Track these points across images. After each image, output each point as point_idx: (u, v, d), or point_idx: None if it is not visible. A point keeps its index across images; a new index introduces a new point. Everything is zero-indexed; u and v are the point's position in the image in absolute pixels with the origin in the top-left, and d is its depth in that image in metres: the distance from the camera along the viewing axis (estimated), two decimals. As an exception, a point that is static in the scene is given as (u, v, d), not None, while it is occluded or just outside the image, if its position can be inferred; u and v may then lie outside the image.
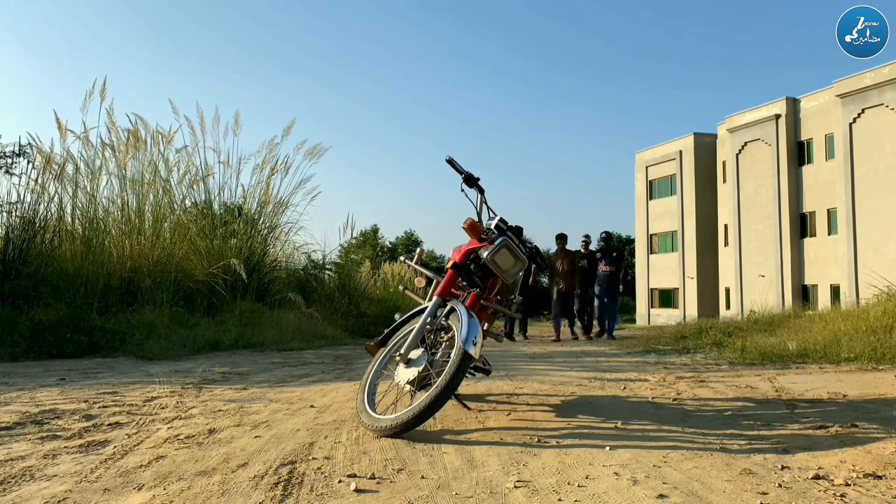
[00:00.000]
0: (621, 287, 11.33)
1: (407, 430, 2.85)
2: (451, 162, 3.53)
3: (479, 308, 3.32)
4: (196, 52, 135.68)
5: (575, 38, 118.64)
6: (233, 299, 8.70)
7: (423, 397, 2.88)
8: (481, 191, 3.57)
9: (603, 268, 10.99)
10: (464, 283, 3.38)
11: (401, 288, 4.34)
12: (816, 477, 2.30)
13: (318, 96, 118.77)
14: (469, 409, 3.50)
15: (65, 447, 2.81)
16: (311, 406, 3.77)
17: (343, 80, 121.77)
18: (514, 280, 3.53)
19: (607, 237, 11.35)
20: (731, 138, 32.33)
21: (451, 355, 2.94)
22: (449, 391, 2.87)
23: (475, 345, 2.91)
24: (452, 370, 2.87)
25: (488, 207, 3.65)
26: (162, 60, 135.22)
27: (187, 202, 9.74)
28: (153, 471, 2.45)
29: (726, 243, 33.31)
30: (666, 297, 37.14)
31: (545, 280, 19.25)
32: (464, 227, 3.40)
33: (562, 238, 10.84)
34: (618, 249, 11.43)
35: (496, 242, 3.25)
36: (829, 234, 27.74)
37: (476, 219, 3.45)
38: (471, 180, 3.53)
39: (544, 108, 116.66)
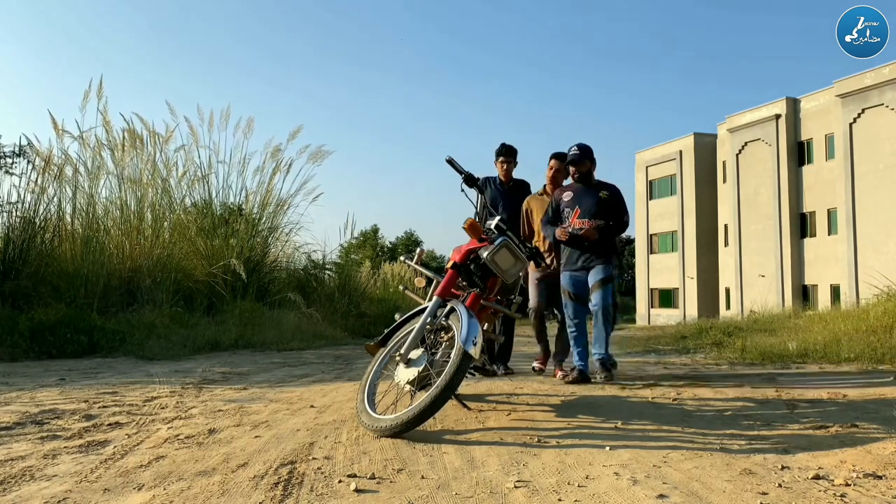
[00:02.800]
0: (616, 261, 5.00)
1: (407, 430, 2.85)
2: (451, 162, 3.54)
3: (479, 308, 3.32)
4: (197, 49, 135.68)
5: (574, 37, 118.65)
6: (233, 299, 8.70)
7: (423, 397, 2.88)
8: (481, 191, 3.57)
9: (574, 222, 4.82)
10: (464, 283, 3.38)
11: (401, 288, 4.34)
12: (816, 477, 2.30)
13: (318, 94, 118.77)
14: (469, 409, 3.50)
15: (65, 447, 2.81)
16: (311, 406, 3.77)
17: (342, 76, 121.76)
18: (515, 280, 3.53)
19: (581, 155, 4.86)
20: (731, 138, 32.32)
21: (452, 355, 2.94)
22: (449, 391, 2.87)
23: (475, 345, 2.92)
24: (452, 370, 2.87)
25: (488, 207, 3.65)
26: (162, 59, 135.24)
27: (187, 201, 9.76)
28: (153, 471, 2.45)
29: (726, 243, 33.30)
30: (666, 297, 37.13)
31: None
32: (464, 228, 3.40)
33: (562, 163, 5.14)
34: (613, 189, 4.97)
35: (496, 242, 3.25)
36: (829, 234, 27.73)
37: (476, 219, 3.45)
38: (471, 180, 3.53)
39: (544, 107, 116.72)
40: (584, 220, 4.81)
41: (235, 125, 9.91)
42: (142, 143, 8.98)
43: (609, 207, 4.91)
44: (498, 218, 3.41)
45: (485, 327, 3.52)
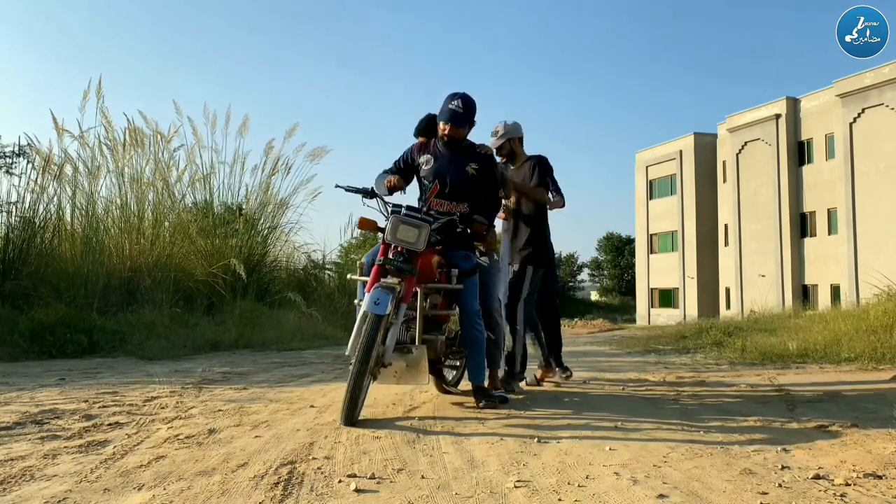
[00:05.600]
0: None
1: (351, 410, 3.12)
2: (345, 188, 3.58)
3: (418, 293, 3.43)
4: (200, 47, 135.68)
5: (574, 35, 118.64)
6: (233, 299, 8.69)
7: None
8: (379, 197, 3.60)
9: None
10: (396, 276, 3.40)
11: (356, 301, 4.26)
12: (816, 477, 2.30)
13: (320, 92, 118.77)
14: (454, 392, 3.54)
15: (65, 447, 2.80)
16: (312, 406, 3.77)
17: (341, 73, 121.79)
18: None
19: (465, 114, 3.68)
20: (731, 138, 32.30)
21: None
22: (365, 359, 3.08)
23: (377, 303, 3.10)
24: (364, 338, 3.08)
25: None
26: (164, 55, 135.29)
27: (188, 201, 9.75)
28: (153, 471, 2.45)
29: (726, 243, 33.29)
30: (666, 297, 37.12)
31: None
32: (359, 228, 3.55)
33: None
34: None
35: (389, 223, 3.36)
36: (830, 233, 27.71)
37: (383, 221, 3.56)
38: (368, 194, 3.59)
39: (544, 106, 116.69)
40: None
41: (232, 124, 9.84)
42: (142, 143, 8.97)
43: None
44: (392, 204, 3.51)
45: (447, 325, 3.80)
